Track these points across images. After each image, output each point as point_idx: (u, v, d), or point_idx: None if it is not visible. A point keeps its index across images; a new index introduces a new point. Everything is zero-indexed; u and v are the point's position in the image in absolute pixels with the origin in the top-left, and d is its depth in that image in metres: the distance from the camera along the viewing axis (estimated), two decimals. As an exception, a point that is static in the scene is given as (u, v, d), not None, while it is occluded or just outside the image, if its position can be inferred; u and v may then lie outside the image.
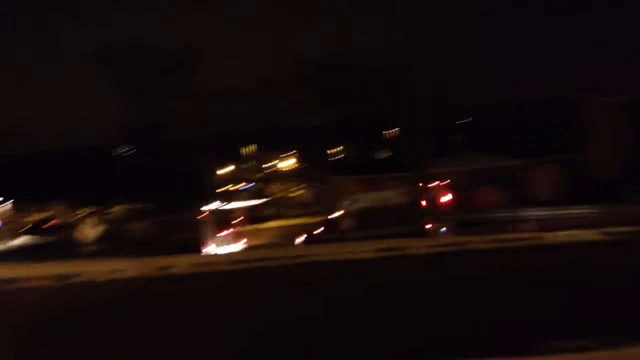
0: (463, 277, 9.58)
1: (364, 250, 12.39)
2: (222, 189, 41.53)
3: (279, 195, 65.96)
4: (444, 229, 21.98)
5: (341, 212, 22.85)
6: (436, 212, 22.76)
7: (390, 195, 25.15)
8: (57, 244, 51.61)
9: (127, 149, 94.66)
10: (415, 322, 6.90)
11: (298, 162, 67.96)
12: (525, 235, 13.34)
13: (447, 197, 23.99)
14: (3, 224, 73.67)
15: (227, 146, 60.33)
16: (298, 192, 61.42)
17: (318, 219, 37.77)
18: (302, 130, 63.81)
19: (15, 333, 7.78)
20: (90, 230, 25.48)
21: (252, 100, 67.09)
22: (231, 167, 67.74)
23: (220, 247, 30.42)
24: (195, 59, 69.18)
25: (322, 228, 27.47)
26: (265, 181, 71.74)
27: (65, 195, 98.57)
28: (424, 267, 10.96)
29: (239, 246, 28.84)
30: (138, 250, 31.27)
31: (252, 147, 67.26)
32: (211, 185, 27.24)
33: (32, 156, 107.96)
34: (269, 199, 66.67)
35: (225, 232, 32.52)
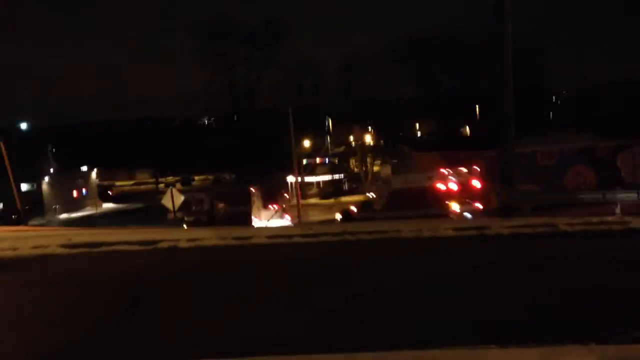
0: (546, 260, 9.27)
1: (444, 227, 12.19)
2: (303, 161, 42.22)
3: (357, 170, 65.97)
4: (469, 214, 22.00)
5: (375, 192, 22.84)
6: (466, 197, 23.23)
7: (420, 179, 25.61)
8: (141, 211, 53.59)
9: (213, 119, 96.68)
10: (492, 304, 6.72)
11: (379, 136, 67.52)
12: (612, 218, 12.74)
13: (477, 183, 24.33)
14: (87, 191, 77.21)
15: (312, 118, 60.42)
16: (377, 167, 61.25)
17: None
18: (386, 104, 62.88)
19: (101, 296, 8.10)
20: (172, 199, 26.22)
21: (339, 72, 66.75)
22: (313, 140, 68.14)
23: (267, 221, 30.87)
24: (284, 31, 69.56)
25: (358, 207, 27.49)
26: (345, 155, 71.84)
27: (151, 164, 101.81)
28: (505, 248, 10.67)
29: (284, 221, 28.85)
30: (195, 220, 32.57)
31: (333, 120, 67.29)
32: (293, 157, 27.60)
33: (119, 124, 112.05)
34: (346, 173, 66.81)
35: (272, 207, 33.04)
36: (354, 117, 63.11)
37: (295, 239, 12.28)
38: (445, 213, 22.09)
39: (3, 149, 26.25)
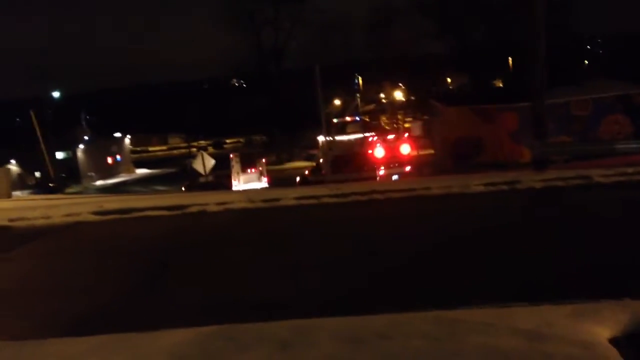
0: (580, 213, 9.02)
1: (475, 183, 11.98)
2: (334, 120, 42.12)
3: (388, 127, 65.41)
4: (396, 176, 23.90)
5: (322, 158, 24.70)
6: (393, 162, 25.24)
7: (353, 144, 27.81)
8: (173, 176, 54.07)
9: (242, 81, 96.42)
10: (524, 260, 6.56)
11: (409, 92, 66.66)
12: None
13: (405, 148, 26.34)
14: (121, 158, 78.11)
15: (341, 77, 59.74)
16: (407, 124, 60.60)
17: (427, 151, 37.12)
18: (416, 59, 61.69)
19: (132, 261, 8.14)
20: (203, 162, 26.38)
21: (367, 28, 65.57)
22: (343, 99, 67.56)
23: (245, 184, 32.85)
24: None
25: (309, 171, 29.38)
26: (374, 113, 71.19)
27: (183, 128, 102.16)
28: (537, 202, 10.43)
29: (262, 184, 30.74)
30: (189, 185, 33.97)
31: (363, 78, 66.45)
32: (323, 117, 27.36)
33: (150, 89, 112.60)
34: (377, 131, 66.34)
35: (250, 171, 35.10)
36: (384, 74, 62.22)
37: (324, 200, 12.19)
38: (374, 176, 23.90)
39: (34, 118, 26.55)
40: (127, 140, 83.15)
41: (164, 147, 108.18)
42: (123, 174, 71.18)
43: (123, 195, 25.84)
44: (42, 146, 27.06)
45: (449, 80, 79.28)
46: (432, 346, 3.92)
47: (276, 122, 65.59)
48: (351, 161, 25.21)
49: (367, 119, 71.70)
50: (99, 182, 63.51)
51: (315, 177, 26.72)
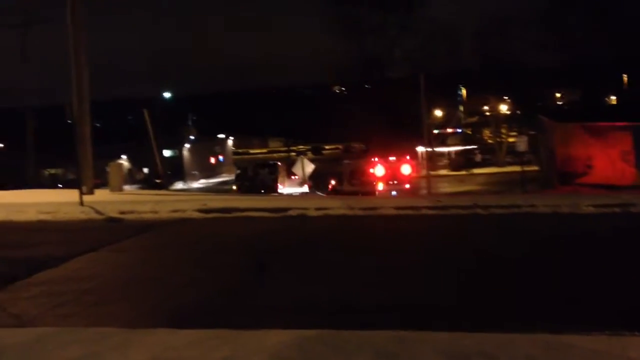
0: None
1: (585, 204, 11.47)
2: (434, 131, 42.72)
3: (491, 141, 63.86)
4: (395, 192, 27.36)
5: (342, 171, 29.09)
6: (393, 180, 28.81)
7: (364, 164, 32.22)
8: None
9: (344, 88, 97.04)
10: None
11: (515, 106, 64.71)
12: None
13: (406, 169, 29.96)
14: (224, 158, 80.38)
15: (444, 87, 58.88)
16: (511, 139, 58.90)
17: (532, 168, 35.95)
18: (524, 72, 59.70)
19: (233, 259, 8.34)
20: (302, 167, 26.72)
21: (474, 38, 64.20)
22: (445, 109, 66.59)
23: (288, 188, 38.82)
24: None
25: (335, 182, 34.09)
26: (478, 126, 69.69)
27: (283, 132, 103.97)
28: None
29: (303, 189, 34.79)
30: (241, 185, 40.21)
31: (467, 89, 65.24)
32: (423, 127, 27.24)
33: (254, 93, 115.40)
34: (479, 144, 64.86)
35: (293, 177, 39.60)
36: (490, 86, 60.66)
37: (424, 211, 12.05)
38: (374, 191, 27.51)
39: (147, 117, 27.87)
40: (229, 142, 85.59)
41: (264, 150, 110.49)
42: (224, 174, 73.23)
43: (224, 194, 26.58)
44: (153, 144, 28.29)
45: (558, 95, 76.49)
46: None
47: (376, 131, 65.45)
48: (360, 176, 29.91)
49: (469, 132, 70.35)
50: (202, 181, 65.64)
51: (340, 188, 31.45)
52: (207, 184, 63.24)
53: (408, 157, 32.14)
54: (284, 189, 38.77)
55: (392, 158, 31.58)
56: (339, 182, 34.28)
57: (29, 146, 41.73)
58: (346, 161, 38.25)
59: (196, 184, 61.55)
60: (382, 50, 67.75)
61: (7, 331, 5.09)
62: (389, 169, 29.07)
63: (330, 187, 35.61)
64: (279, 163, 43.92)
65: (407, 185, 28.34)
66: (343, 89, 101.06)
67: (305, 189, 35.47)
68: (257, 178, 40.93)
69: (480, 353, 4.00)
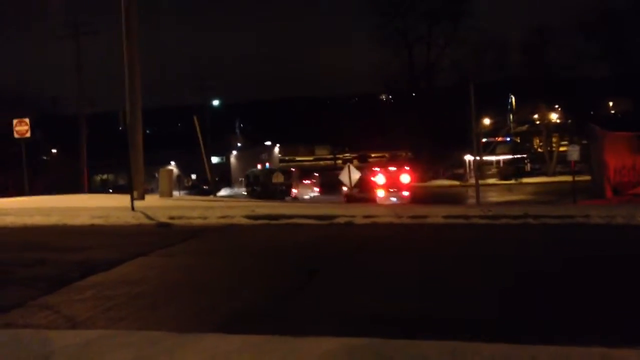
0: None
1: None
2: (483, 140, 42.51)
3: (541, 150, 62.72)
4: (394, 198, 30.25)
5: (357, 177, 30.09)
6: (392, 188, 31.22)
7: (368, 171, 34.99)
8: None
9: (391, 97, 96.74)
10: None
11: (566, 115, 63.43)
12: None
13: (405, 177, 31.74)
14: (270, 165, 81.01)
15: (493, 96, 58.09)
16: (562, 148, 57.72)
17: (583, 177, 35.13)
18: (575, 81, 58.49)
19: (279, 266, 8.35)
20: (349, 175, 26.73)
21: (523, 47, 63.24)
22: (494, 118, 65.71)
23: (301, 192, 43.44)
24: (466, 6, 67.32)
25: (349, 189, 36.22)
26: (528, 135, 68.56)
27: (329, 140, 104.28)
28: None
29: (314, 193, 40.47)
30: (252, 190, 44.52)
31: (516, 98, 64.24)
32: (472, 135, 26.98)
33: (300, 101, 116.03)
34: (528, 154, 63.79)
35: (306, 182, 46.05)
36: (539, 95, 59.61)
37: (474, 220, 11.87)
38: (374, 197, 30.35)
39: (197, 124, 28.32)
40: (276, 149, 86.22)
41: (310, 158, 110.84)
42: (272, 182, 73.63)
43: (271, 201, 26.76)
44: (202, 150, 28.69)
45: (610, 104, 74.77)
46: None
47: (423, 139, 64.98)
48: (365, 184, 31.91)
49: (518, 140, 69.26)
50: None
51: (350, 194, 34.01)
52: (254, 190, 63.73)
53: (407, 168, 34.35)
54: (297, 193, 43.21)
55: (392, 168, 34.33)
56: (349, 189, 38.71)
57: (81, 152, 42.82)
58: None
59: (243, 191, 62.10)
60: (429, 60, 67.36)
61: (60, 333, 5.19)
62: (389, 178, 31.70)
63: (341, 192, 38.57)
64: (293, 169, 48.70)
65: (406, 193, 30.59)
66: (390, 97, 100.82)
67: (316, 192, 41.45)
68: (271, 183, 43.99)
69: (535, 366, 3.89)
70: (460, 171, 57.78)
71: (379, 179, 31.89)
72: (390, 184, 31.31)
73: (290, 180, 44.12)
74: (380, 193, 31.27)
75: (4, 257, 9.22)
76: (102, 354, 4.43)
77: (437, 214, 12.47)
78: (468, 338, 4.55)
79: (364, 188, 32.30)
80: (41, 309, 6.09)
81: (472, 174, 45.57)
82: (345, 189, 36.42)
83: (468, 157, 52.62)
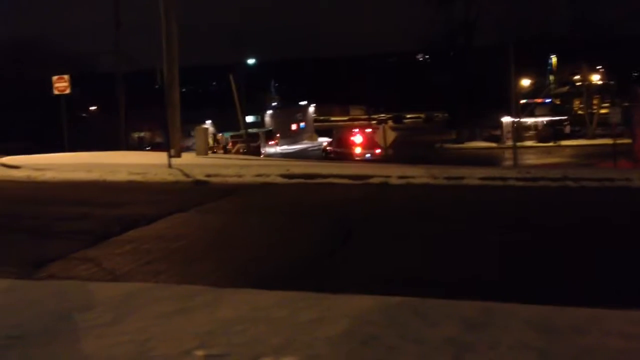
0: None
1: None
2: (522, 101, 41.57)
3: (581, 112, 61.27)
4: (368, 155, 34.47)
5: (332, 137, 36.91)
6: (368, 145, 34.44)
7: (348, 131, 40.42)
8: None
9: (428, 56, 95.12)
10: None
11: (609, 76, 61.62)
12: None
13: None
14: (305, 125, 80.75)
15: (534, 56, 56.57)
16: (603, 110, 56.29)
17: (624, 140, 34.36)
18: (621, 41, 56.49)
19: (315, 224, 8.37)
20: (384, 135, 26.50)
21: (569, 4, 61.04)
22: (534, 79, 64.18)
23: (267, 150, 52.18)
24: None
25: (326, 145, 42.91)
26: (567, 96, 66.93)
27: (364, 100, 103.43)
28: None
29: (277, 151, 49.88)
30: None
31: (558, 58, 62.56)
32: (511, 96, 26.44)
33: (335, 61, 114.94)
34: (569, 116, 62.35)
35: (270, 142, 57.35)
36: (583, 55, 57.81)
37: (511, 182, 11.73)
38: (352, 153, 35.36)
39: (232, 82, 28.29)
40: (311, 109, 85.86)
41: (345, 118, 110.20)
42: (306, 141, 73.66)
43: (307, 160, 26.79)
44: (237, 109, 28.73)
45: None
46: (632, 347, 3.62)
47: (460, 100, 63.91)
48: (344, 142, 37.57)
49: (558, 102, 67.68)
50: (283, 147, 66.32)
51: (329, 150, 39.71)
52: (288, 150, 63.85)
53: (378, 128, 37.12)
54: (263, 151, 50.47)
55: (368, 130, 37.34)
56: (329, 145, 43.75)
57: (120, 109, 43.25)
58: (334, 130, 47.32)
59: (278, 150, 62.24)
60: (469, 16, 65.63)
61: (101, 285, 5.33)
62: (365, 138, 35.50)
63: (323, 149, 45.08)
64: (258, 132, 56.81)
65: (378, 151, 32.21)
66: (427, 57, 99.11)
67: (279, 150, 48.79)
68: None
69: (571, 327, 3.87)
70: (497, 132, 56.75)
71: (357, 138, 36.79)
72: (366, 142, 35.08)
73: (258, 142, 52.52)
74: (357, 150, 35.96)
75: (46, 211, 9.45)
76: (143, 306, 4.53)
77: (473, 176, 12.33)
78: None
79: (343, 145, 37.43)
80: (82, 262, 6.26)
81: (510, 135, 44.86)
82: (324, 144, 42.53)
83: (506, 119, 51.65)
